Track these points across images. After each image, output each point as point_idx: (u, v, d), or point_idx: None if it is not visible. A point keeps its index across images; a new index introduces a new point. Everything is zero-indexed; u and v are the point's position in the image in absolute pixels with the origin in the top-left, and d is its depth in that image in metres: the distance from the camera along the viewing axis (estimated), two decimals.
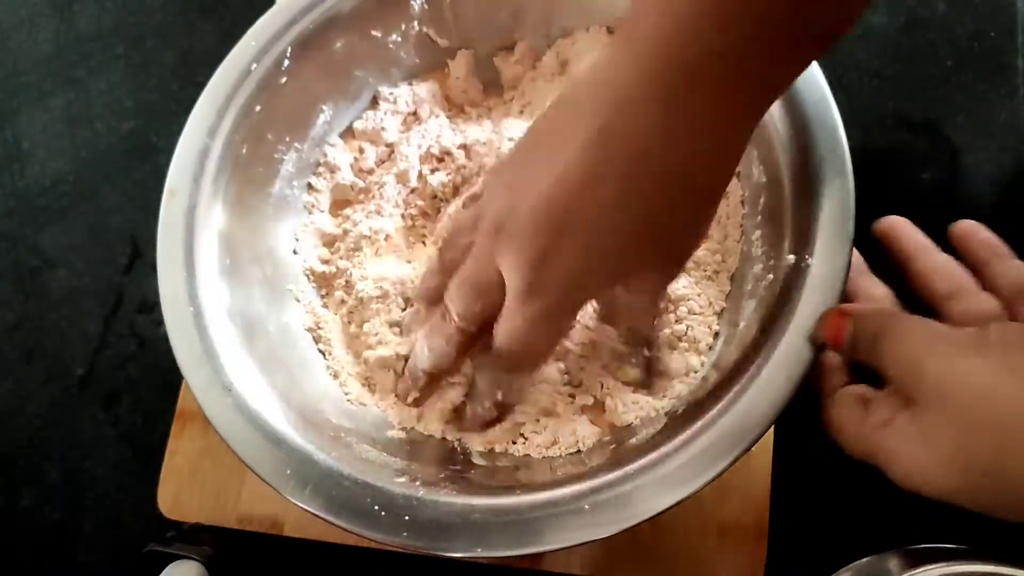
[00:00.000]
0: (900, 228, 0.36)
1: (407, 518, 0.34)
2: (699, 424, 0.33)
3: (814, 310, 0.33)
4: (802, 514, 0.41)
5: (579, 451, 0.39)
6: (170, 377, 0.49)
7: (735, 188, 0.43)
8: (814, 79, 0.38)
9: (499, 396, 0.39)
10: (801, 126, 0.37)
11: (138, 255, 0.55)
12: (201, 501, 0.45)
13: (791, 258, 0.35)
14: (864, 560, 0.30)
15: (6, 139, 0.60)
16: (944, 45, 0.52)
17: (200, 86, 0.43)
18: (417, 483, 0.35)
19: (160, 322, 0.53)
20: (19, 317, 0.55)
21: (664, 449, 0.33)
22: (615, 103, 0.29)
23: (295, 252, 0.46)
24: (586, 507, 0.32)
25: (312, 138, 0.47)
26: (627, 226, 0.30)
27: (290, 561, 0.46)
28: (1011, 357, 0.27)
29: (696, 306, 0.41)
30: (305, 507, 0.34)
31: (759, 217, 0.40)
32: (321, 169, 0.48)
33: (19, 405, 0.52)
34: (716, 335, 0.41)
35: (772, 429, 0.42)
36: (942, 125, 0.50)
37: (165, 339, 0.53)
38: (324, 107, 0.47)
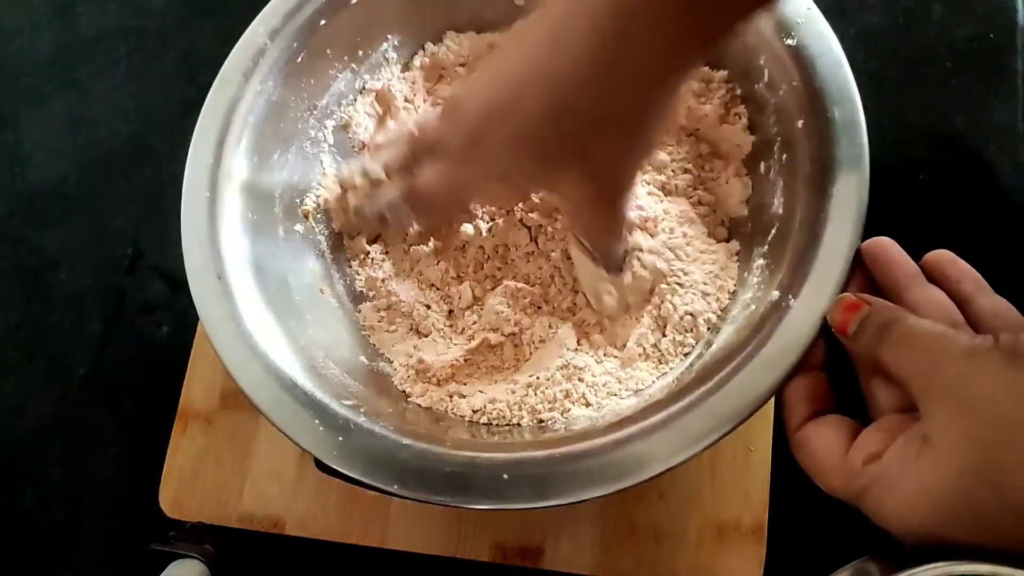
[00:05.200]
0: (891, 253, 0.35)
1: (340, 439, 0.35)
2: (698, 393, 0.34)
3: (780, 350, 0.34)
4: (801, 514, 0.41)
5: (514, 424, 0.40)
6: (171, 377, 0.49)
7: (740, 190, 0.43)
8: (856, 124, 0.37)
9: (411, 226, 0.43)
10: (829, 171, 0.37)
11: (139, 256, 0.55)
12: (202, 500, 0.46)
13: (775, 294, 0.36)
14: (862, 559, 0.30)
15: (7, 142, 0.60)
16: (943, 47, 0.52)
17: (202, 88, 0.43)
18: (361, 410, 0.36)
19: (161, 323, 0.54)
20: (21, 318, 0.55)
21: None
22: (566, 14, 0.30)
23: (321, 164, 0.47)
24: (505, 476, 0.33)
25: (370, 63, 0.48)
26: (552, 132, 0.32)
27: (291, 560, 0.46)
28: None
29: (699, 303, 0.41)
30: (256, 402, 0.36)
31: (766, 247, 0.40)
32: (367, 92, 0.48)
33: (21, 405, 0.53)
34: (694, 345, 0.41)
35: (771, 429, 0.42)
36: (941, 127, 0.51)
37: (166, 340, 0.54)
38: (390, 36, 0.48)
